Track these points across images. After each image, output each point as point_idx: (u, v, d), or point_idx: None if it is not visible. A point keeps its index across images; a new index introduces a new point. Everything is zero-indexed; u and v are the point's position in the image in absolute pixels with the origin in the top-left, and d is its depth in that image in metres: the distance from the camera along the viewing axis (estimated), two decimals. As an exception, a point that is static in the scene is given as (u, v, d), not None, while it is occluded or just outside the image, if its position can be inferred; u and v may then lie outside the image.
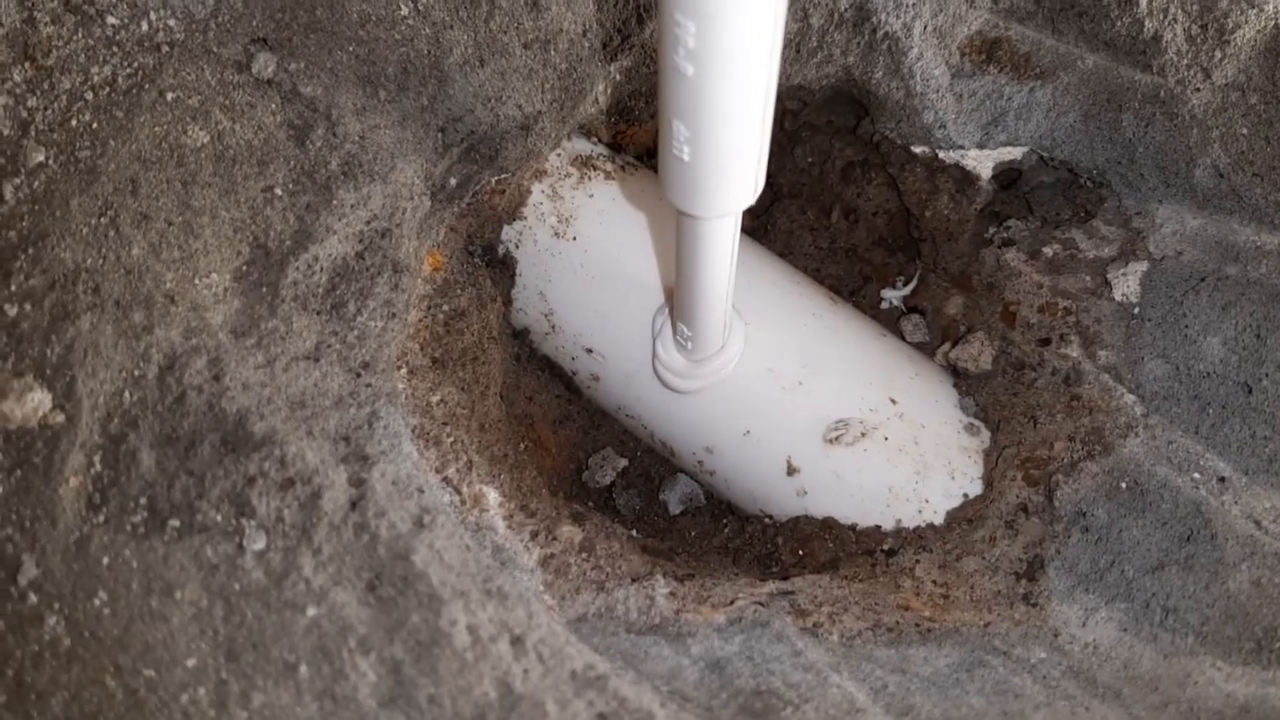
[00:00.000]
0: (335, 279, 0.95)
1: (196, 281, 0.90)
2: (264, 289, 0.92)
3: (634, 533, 1.16)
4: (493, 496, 0.98)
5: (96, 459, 0.83)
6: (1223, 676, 0.84)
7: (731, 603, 0.94)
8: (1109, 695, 0.85)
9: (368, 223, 0.97)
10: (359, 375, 0.92)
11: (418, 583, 0.79)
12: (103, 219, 0.89)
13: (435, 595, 0.79)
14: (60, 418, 0.83)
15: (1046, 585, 0.95)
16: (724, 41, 0.67)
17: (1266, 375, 0.96)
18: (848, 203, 1.25)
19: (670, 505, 1.19)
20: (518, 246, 1.14)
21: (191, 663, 0.76)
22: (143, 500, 0.81)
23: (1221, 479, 0.95)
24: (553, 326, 1.16)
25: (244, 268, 0.92)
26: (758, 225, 1.29)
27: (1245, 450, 0.95)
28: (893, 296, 1.26)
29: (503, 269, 1.14)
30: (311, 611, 0.77)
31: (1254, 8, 1.00)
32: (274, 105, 0.96)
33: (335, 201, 0.95)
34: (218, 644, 0.77)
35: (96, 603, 0.80)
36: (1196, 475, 0.96)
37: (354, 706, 0.75)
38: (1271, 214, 1.02)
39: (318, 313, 0.93)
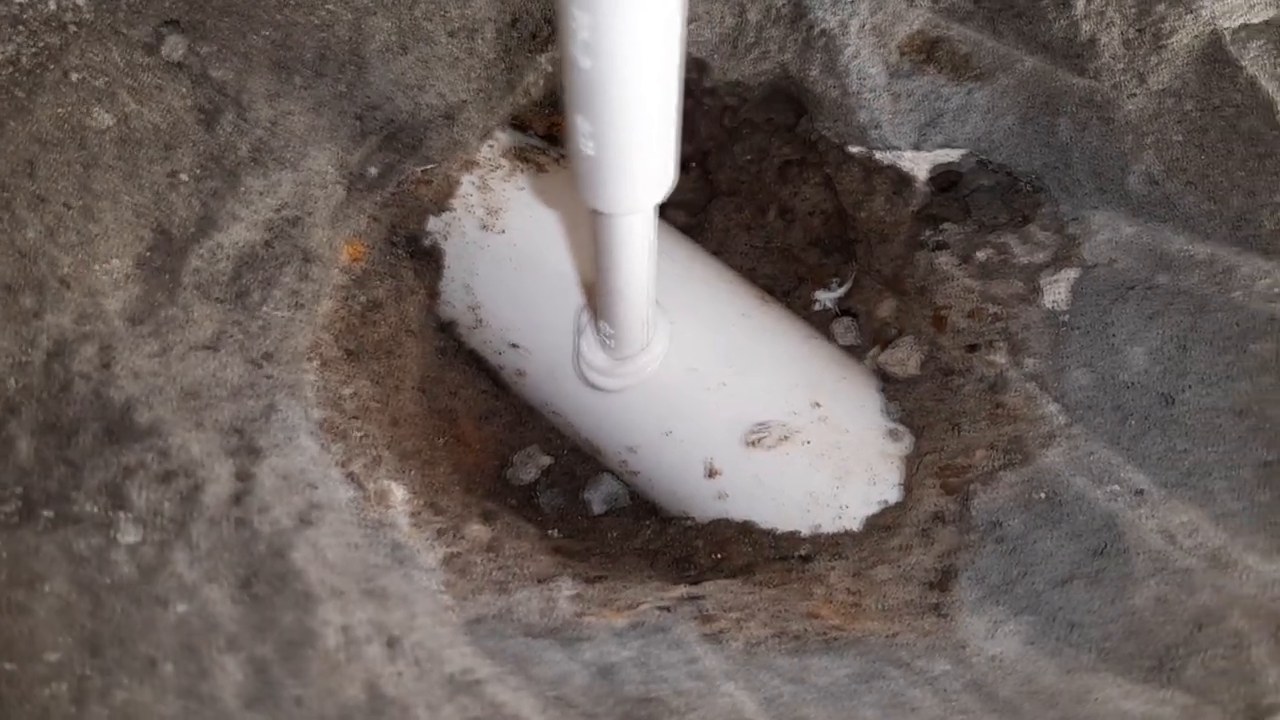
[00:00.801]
0: (241, 267, 0.93)
1: (95, 267, 0.88)
2: (165, 275, 0.90)
3: (554, 532, 1.14)
4: (399, 493, 0.96)
5: (-27, 445, 0.81)
6: (1120, 694, 0.82)
7: (635, 606, 0.92)
8: (1007, 711, 0.84)
9: (277, 210, 0.95)
10: (259, 366, 0.91)
11: (294, 581, 0.78)
12: (-4, 201, 0.88)
13: (310, 594, 0.77)
14: (-62, 402, 0.81)
15: (957, 596, 0.93)
16: (618, 33, 0.65)
17: (1188, 387, 0.94)
18: (784, 202, 1.23)
19: (593, 505, 1.17)
20: (445, 238, 1.12)
21: (53, 657, 0.75)
22: (17, 489, 0.79)
23: (1139, 491, 0.93)
24: (479, 320, 1.14)
25: (146, 254, 0.90)
26: (694, 223, 1.27)
27: (1164, 463, 0.93)
28: (826, 298, 1.24)
29: (429, 260, 1.13)
30: (180, 608, 0.76)
31: (1190, 13, 0.98)
32: (183, 89, 0.94)
33: (242, 188, 0.93)
34: (82, 639, 0.75)
35: (-35, 592, 0.79)
36: (1115, 487, 0.94)
37: (217, 706, 0.73)
38: (1203, 223, 1.00)
39: (220, 301, 0.91)
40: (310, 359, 0.95)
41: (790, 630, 0.92)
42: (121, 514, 0.79)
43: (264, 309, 0.93)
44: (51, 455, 0.80)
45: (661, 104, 0.71)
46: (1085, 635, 0.86)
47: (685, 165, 1.26)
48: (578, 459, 1.22)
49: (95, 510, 0.79)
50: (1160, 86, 1.00)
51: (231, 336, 0.90)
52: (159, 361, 0.87)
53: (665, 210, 1.26)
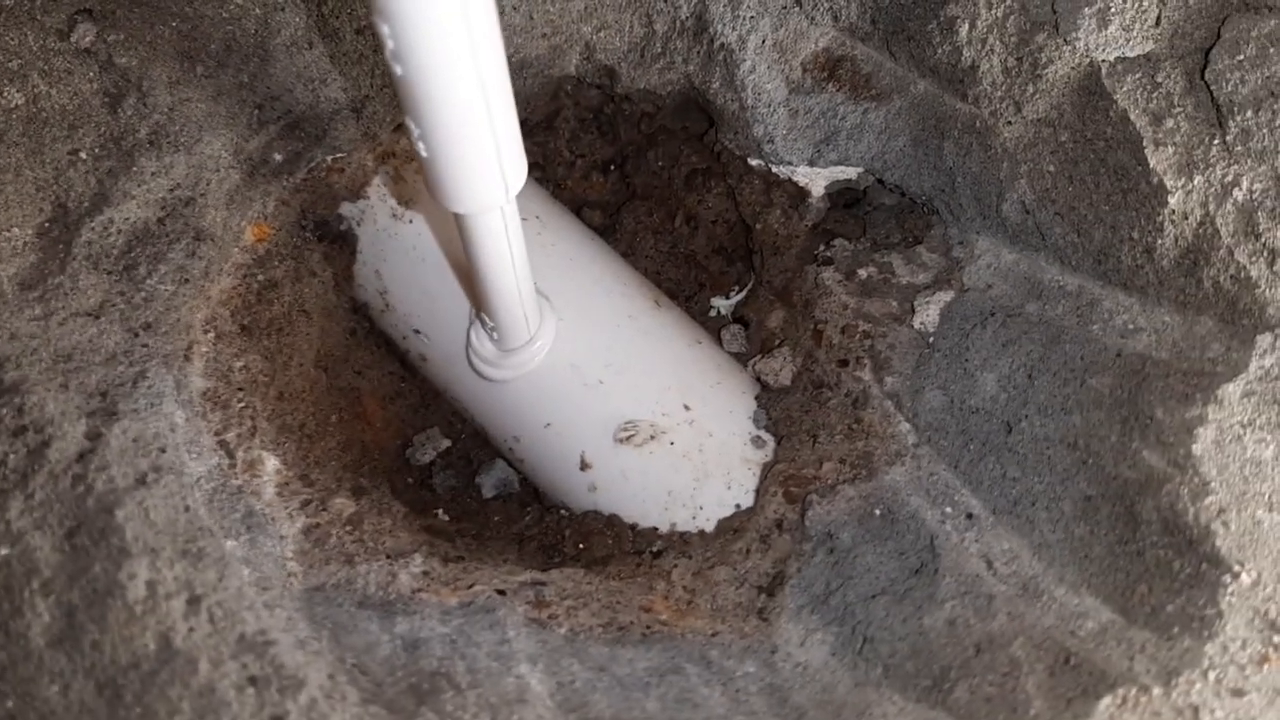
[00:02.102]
0: (132, 242, 0.99)
1: (-5, 234, 0.96)
2: (59, 246, 0.97)
3: (440, 513, 1.20)
4: (271, 464, 1.02)
5: None
6: (896, 711, 0.84)
7: (470, 587, 0.97)
8: (792, 716, 0.86)
9: (170, 190, 1.01)
10: (137, 335, 0.97)
11: (112, 536, 0.84)
12: (-100, 171, 0.96)
13: (124, 549, 0.83)
14: None
15: (781, 602, 0.96)
16: (418, 42, 0.69)
17: (1027, 416, 0.95)
18: (690, 209, 1.26)
19: (484, 489, 1.22)
20: (359, 224, 1.18)
21: (-117, 588, 0.82)
22: (-127, 438, 0.87)
23: (970, 515, 0.95)
24: (387, 305, 1.19)
25: (45, 224, 0.97)
26: (609, 224, 1.31)
27: (995, 489, 0.94)
28: (721, 305, 1.27)
29: (342, 245, 1.18)
30: (3, 550, 0.82)
31: (1068, 44, 0.98)
32: (91, 73, 1.01)
33: (136, 168, 1.00)
34: (-83, 572, 0.83)
35: None
36: (948, 509, 0.96)
37: (23, 643, 0.79)
38: (1071, 254, 1.00)
39: (108, 273, 0.98)
40: (205, 331, 1.02)
41: (618, 621, 0.95)
42: (-31, 457, 0.86)
43: (149, 282, 0.99)
44: (-86, 406, 0.88)
45: (478, 106, 0.74)
46: (876, 650, 0.88)
47: (605, 168, 1.30)
48: (475, 443, 1.27)
49: (-53, 453, 0.87)
50: (1037, 116, 1.01)
51: (115, 306, 0.97)
52: (39, 325, 0.94)
53: (581, 210, 1.30)
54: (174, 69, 1.03)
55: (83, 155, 0.99)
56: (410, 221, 1.16)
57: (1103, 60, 0.97)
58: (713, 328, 1.24)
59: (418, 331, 1.18)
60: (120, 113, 1.01)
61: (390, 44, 0.70)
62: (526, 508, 1.20)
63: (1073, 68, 0.99)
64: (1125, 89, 0.96)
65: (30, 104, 0.99)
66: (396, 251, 1.17)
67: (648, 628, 0.95)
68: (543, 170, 1.30)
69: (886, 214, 1.15)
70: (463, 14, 0.68)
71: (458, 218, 0.90)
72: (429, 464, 1.23)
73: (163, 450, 0.92)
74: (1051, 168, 1.00)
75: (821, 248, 1.16)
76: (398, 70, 0.72)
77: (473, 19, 0.68)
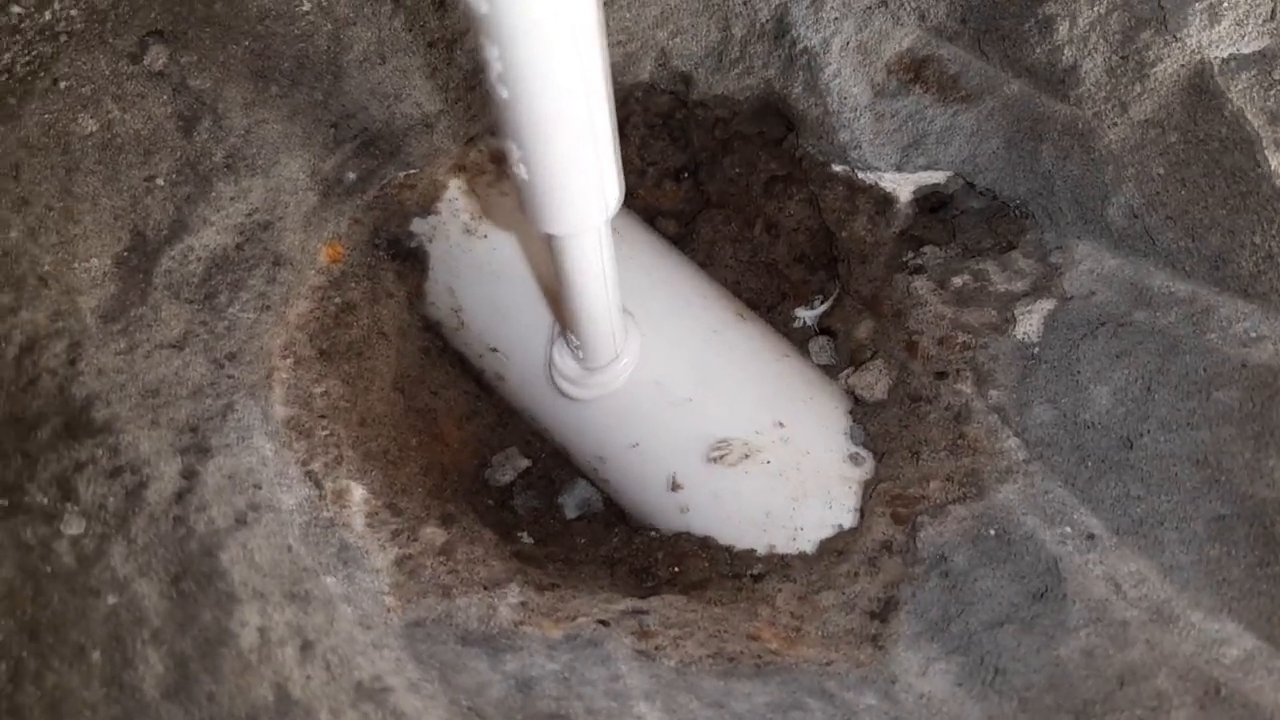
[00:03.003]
0: (211, 269, 0.96)
1: (74, 265, 0.93)
2: (139, 275, 0.94)
3: (524, 536, 1.17)
4: (358, 493, 0.99)
5: (-63, 436, 0.86)
6: (1034, 745, 0.81)
7: (574, 619, 0.94)
8: (923, 752, 0.83)
9: (248, 215, 0.98)
10: (222, 366, 0.94)
11: (218, 580, 0.81)
12: (-22, 202, 0.93)
13: (233, 595, 0.81)
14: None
15: (896, 629, 0.93)
16: (527, 65, 0.67)
17: (1148, 432, 0.92)
18: (770, 216, 1.23)
19: (567, 509, 1.19)
20: (431, 240, 1.15)
21: (-8, 640, 0.79)
22: (-28, 478, 0.84)
23: (1090, 536, 0.91)
24: (461, 323, 1.16)
25: (123, 254, 0.94)
26: (684, 233, 1.27)
27: (1117, 508, 0.91)
28: (806, 316, 1.24)
29: (414, 262, 1.15)
30: (111, 599, 0.80)
31: (1177, 41, 0.95)
32: (164, 96, 0.98)
33: (214, 194, 0.97)
34: (23, 623, 0.80)
35: (-76, 577, 0.84)
36: (1066, 529, 0.92)
37: (138, 695, 0.77)
38: (1183, 260, 0.97)
39: (189, 302, 0.95)
40: (284, 357, 0.99)
41: (727, 651, 0.93)
42: (69, 506, 0.83)
43: (231, 310, 0.96)
44: (11, 447, 0.85)
45: (584, 130, 0.72)
46: (1010, 682, 0.85)
47: (677, 176, 1.27)
48: (555, 463, 1.24)
49: (45, 501, 0.84)
50: (1143, 117, 0.97)
51: (197, 336, 0.94)
52: (124, 359, 0.91)
53: (655, 220, 1.27)
54: (248, 90, 0.99)
55: (159, 181, 0.96)
56: (485, 237, 1.13)
57: (1214, 58, 0.94)
58: (797, 339, 1.21)
59: (494, 350, 1.15)
60: (195, 136, 0.98)
61: (497, 67, 0.67)
62: (613, 528, 1.17)
63: (1181, 65, 0.95)
64: (1239, 87, 0.93)
65: (104, 130, 0.96)
66: (471, 268, 1.13)
67: (758, 657, 0.92)
68: (614, 180, 1.27)
69: (975, 218, 1.12)
70: (572, 36, 0.65)
71: (551, 238, 0.87)
72: (509, 484, 1.20)
73: (257, 486, 0.89)
74: (1160, 170, 0.97)
75: (909, 255, 1.12)
76: (503, 93, 0.69)
77: (581, 40, 0.65)
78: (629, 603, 0.98)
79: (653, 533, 1.12)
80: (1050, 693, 0.83)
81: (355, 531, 0.95)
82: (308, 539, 0.89)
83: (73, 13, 0.98)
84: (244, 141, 0.98)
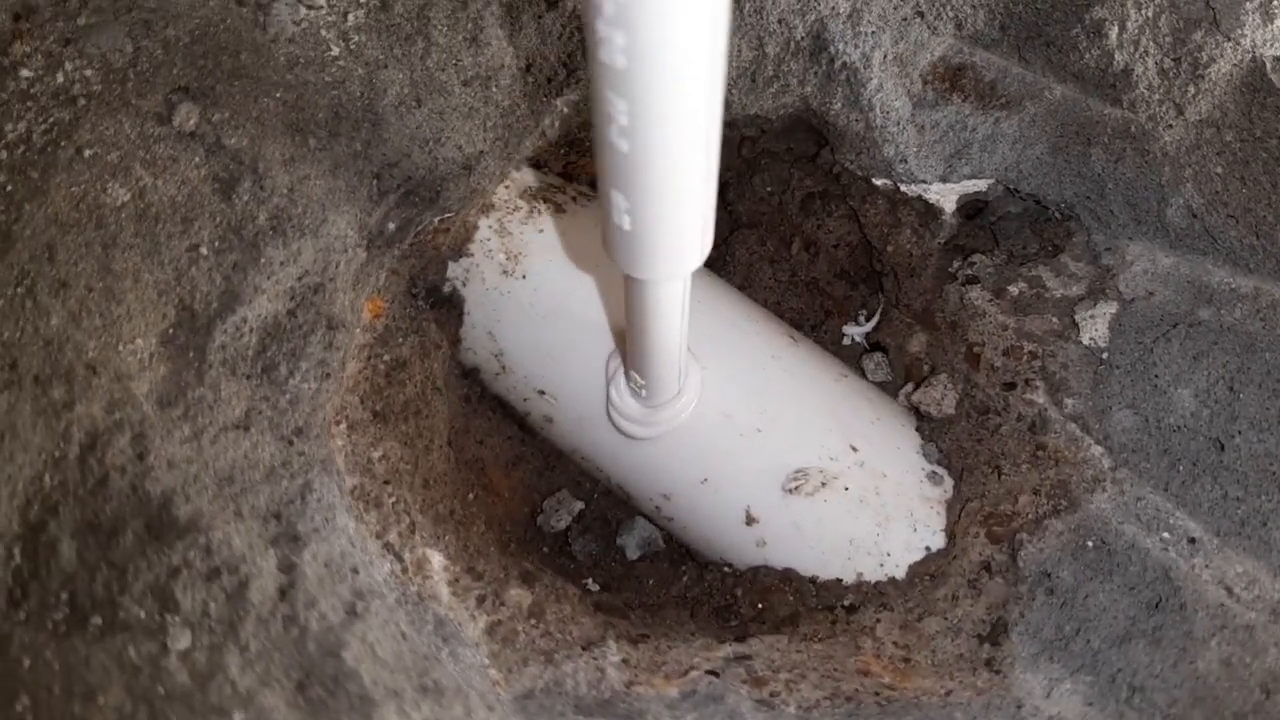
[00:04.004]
0: (265, 340, 0.90)
1: (120, 349, 0.86)
2: (191, 354, 0.87)
3: (589, 583, 1.13)
4: (437, 560, 0.94)
5: (16, 551, 0.79)
6: (1188, 761, 0.81)
7: (686, 673, 0.91)
8: (1070, 777, 0.83)
9: (299, 279, 0.92)
10: (291, 443, 0.88)
11: (348, 682, 0.76)
12: (19, 289, 0.85)
13: (367, 696, 0.75)
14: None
15: (1010, 651, 0.92)
16: (659, 119, 0.63)
17: (1239, 432, 0.92)
18: (808, 234, 1.21)
19: (628, 550, 1.16)
20: (465, 284, 1.10)
21: (110, 777, 0.73)
22: (64, 595, 0.77)
23: (1192, 540, 0.92)
24: (503, 367, 1.11)
25: (170, 331, 0.87)
26: (716, 255, 1.24)
27: (1217, 511, 0.92)
28: (855, 333, 1.22)
29: (449, 307, 1.10)
30: (238, 717, 0.74)
31: (1230, 40, 0.95)
32: (198, 159, 0.91)
33: (264, 260, 0.90)
34: (141, 754, 0.74)
35: (19, 708, 0.76)
36: (1166, 535, 0.93)
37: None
38: (1247, 257, 0.98)
39: (248, 377, 0.89)
40: (336, 423, 0.93)
41: (843, 691, 0.91)
42: (171, 617, 0.77)
43: (292, 382, 0.90)
44: (95, 557, 0.78)
45: (701, 181, 0.70)
46: (1149, 700, 0.84)
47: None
48: (610, 503, 1.20)
49: (144, 615, 0.77)
50: (1199, 117, 0.97)
51: (261, 414, 0.88)
52: (192, 447, 0.84)
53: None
54: (286, 145, 0.93)
55: (203, 251, 0.89)
56: (523, 277, 1.08)
57: (1268, 56, 0.95)
58: (846, 357, 1.19)
59: (542, 392, 1.11)
60: (236, 199, 0.91)
61: (622, 121, 0.64)
62: (679, 566, 1.14)
63: (1235, 65, 0.96)
64: (1295, 84, 0.94)
65: (138, 199, 0.89)
66: (512, 310, 1.09)
67: (876, 694, 0.91)
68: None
69: (1017, 223, 1.11)
70: (707, 90, 0.63)
71: (634, 284, 0.84)
72: (564, 530, 1.16)
73: (355, 571, 0.84)
74: (1219, 169, 0.97)
75: (957, 265, 1.11)
76: (623, 146, 0.66)
77: (713, 93, 0.63)
78: (730, 648, 0.96)
79: (726, 568, 1.09)
80: (1196, 708, 0.83)
81: (444, 603, 0.90)
82: (411, 620, 0.84)
83: (88, 73, 0.91)
84: (288, 201, 0.92)
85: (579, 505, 1.16)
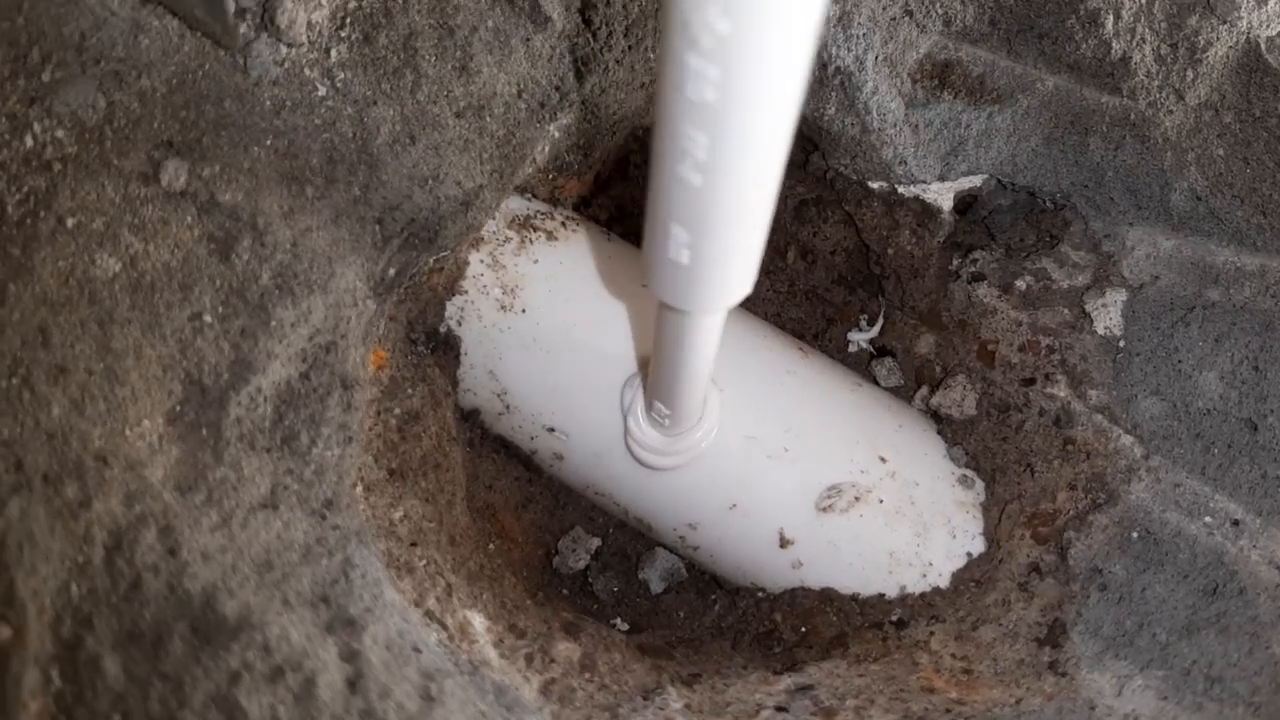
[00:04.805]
0: (281, 408, 0.84)
1: (128, 433, 0.78)
2: (204, 431, 0.80)
3: (618, 622, 1.09)
4: (479, 622, 0.89)
5: (54, 673, 0.71)
6: (1280, 748, 0.81)
7: (756, 713, 0.88)
8: (1164, 777, 0.82)
9: (310, 339, 0.86)
10: (324, 517, 0.82)
11: (444, 779, 0.71)
12: (14, 379, 0.77)
13: (466, 791, 0.71)
14: (5, 632, 0.71)
15: (1072, 651, 0.91)
16: (738, 153, 0.60)
17: (1271, 411, 0.93)
18: (804, 242, 1.19)
19: (652, 584, 1.12)
20: (460, 323, 1.04)
21: None
22: (115, 718, 0.70)
23: (1235, 522, 0.92)
24: (507, 406, 1.06)
25: (178, 409, 0.80)
26: (709, 271, 1.21)
27: (1258, 491, 0.92)
28: (860, 339, 1.20)
29: (446, 349, 1.04)
30: (329, 831, 0.68)
31: (1225, 24, 0.96)
32: (189, 218, 0.84)
33: (274, 322, 0.84)
34: None
35: None
36: (1209, 520, 0.93)
37: None
38: (1253, 236, 0.99)
39: (268, 450, 0.82)
40: (352, 486, 0.87)
41: (914, 712, 0.89)
42: (235, 729, 0.71)
43: (315, 450, 0.84)
44: (144, 670, 0.71)
45: (768, 214, 0.67)
46: (1230, 690, 0.84)
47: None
48: (627, 536, 1.16)
49: (204, 730, 0.71)
50: (1198, 101, 0.98)
51: (288, 489, 0.82)
52: (224, 534, 0.77)
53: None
54: (284, 196, 0.86)
55: (207, 319, 0.82)
56: (523, 312, 1.04)
57: (1263, 37, 0.95)
58: (853, 364, 1.17)
59: (552, 430, 1.06)
60: (236, 259, 0.84)
61: (700, 155, 0.61)
62: (708, 596, 1.10)
63: (1230, 48, 0.96)
64: (1291, 63, 0.95)
65: (129, 268, 0.81)
66: (513, 347, 1.04)
67: (948, 711, 0.89)
68: (623, 224, 1.19)
69: (1010, 216, 1.11)
70: (784, 125, 0.60)
71: (673, 315, 0.81)
72: (583, 569, 1.12)
73: (417, 650, 0.79)
74: (1221, 151, 0.98)
75: (957, 262, 1.10)
76: (695, 181, 0.63)
77: (788, 128, 0.60)
78: (789, 679, 0.93)
79: (759, 593, 1.06)
80: (1280, 693, 0.83)
81: (495, 668, 0.85)
82: (481, 695, 0.79)
83: (59, 134, 0.83)
84: (292, 256, 0.86)
85: (596, 542, 1.12)
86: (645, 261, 0.74)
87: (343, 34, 0.91)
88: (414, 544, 0.91)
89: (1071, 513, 0.97)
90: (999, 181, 1.10)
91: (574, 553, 1.11)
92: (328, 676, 0.74)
